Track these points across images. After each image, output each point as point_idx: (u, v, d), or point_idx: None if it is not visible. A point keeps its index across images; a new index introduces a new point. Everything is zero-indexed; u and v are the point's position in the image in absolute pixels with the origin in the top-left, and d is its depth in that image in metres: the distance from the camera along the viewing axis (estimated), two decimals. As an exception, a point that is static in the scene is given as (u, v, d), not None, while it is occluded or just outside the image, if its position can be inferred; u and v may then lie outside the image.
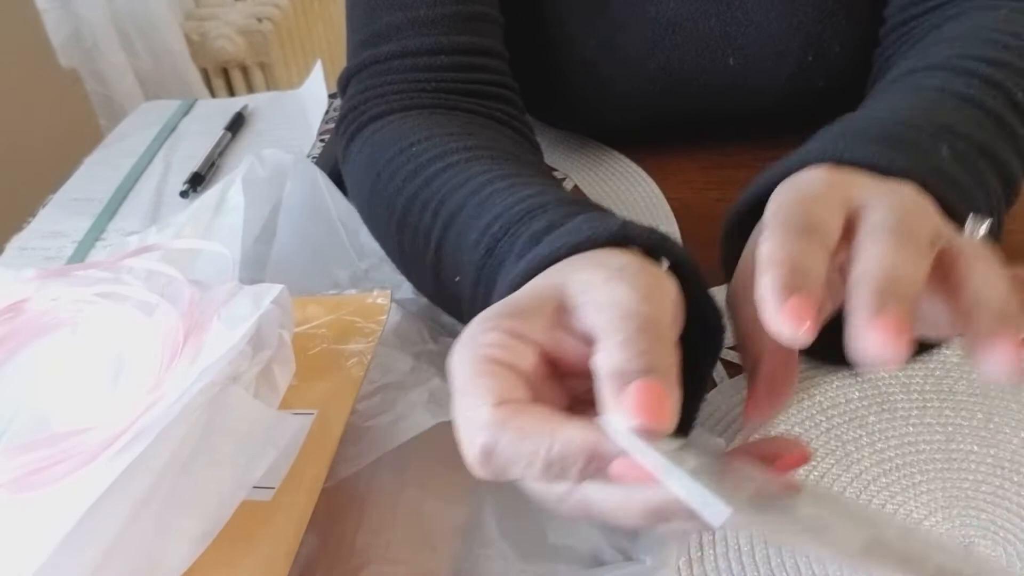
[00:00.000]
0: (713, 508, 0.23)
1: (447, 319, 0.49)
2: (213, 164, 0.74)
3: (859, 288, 0.27)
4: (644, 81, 0.62)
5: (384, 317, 0.43)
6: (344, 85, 0.57)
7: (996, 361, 0.27)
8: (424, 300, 0.50)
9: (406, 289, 0.51)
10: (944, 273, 0.30)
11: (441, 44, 0.53)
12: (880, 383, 0.46)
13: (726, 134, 0.66)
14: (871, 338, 0.26)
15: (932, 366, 0.46)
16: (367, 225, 0.53)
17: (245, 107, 0.84)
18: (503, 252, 0.38)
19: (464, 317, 0.43)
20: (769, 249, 0.29)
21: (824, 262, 0.29)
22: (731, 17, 0.59)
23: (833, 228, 0.30)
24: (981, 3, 0.49)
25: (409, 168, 0.46)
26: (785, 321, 0.27)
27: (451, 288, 0.43)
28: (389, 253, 0.50)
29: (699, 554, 0.39)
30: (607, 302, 0.29)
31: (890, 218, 0.29)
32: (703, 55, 0.60)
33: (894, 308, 0.26)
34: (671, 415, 0.26)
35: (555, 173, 0.65)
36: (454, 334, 0.49)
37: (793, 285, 0.27)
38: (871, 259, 0.28)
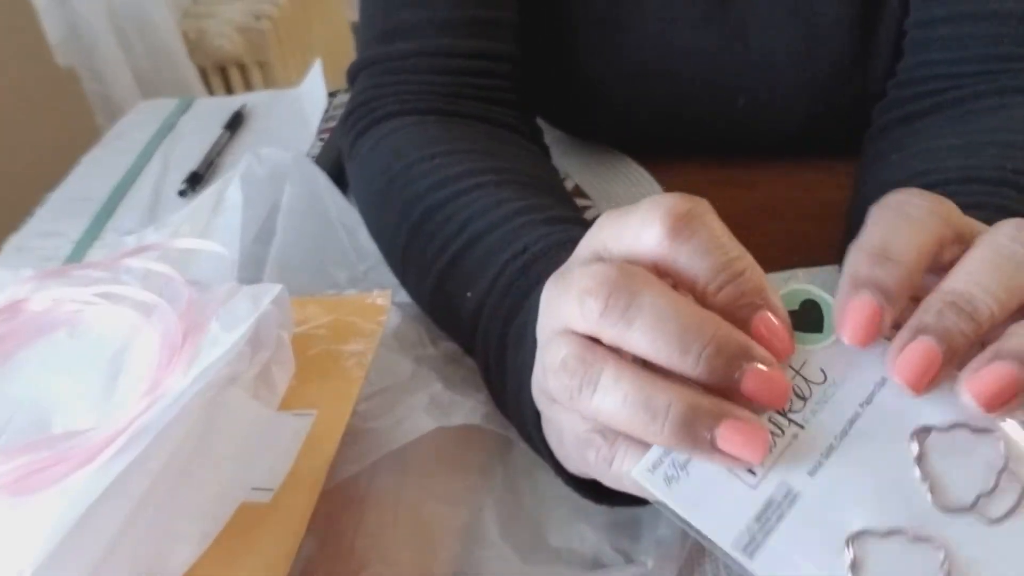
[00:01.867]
0: None
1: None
2: (211, 163, 0.74)
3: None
4: (651, 103, 0.61)
5: (384, 318, 0.43)
6: (354, 77, 0.56)
7: None
8: (424, 302, 0.50)
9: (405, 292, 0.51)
10: None
11: (458, 47, 0.53)
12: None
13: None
14: (893, 365, 0.26)
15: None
16: (366, 220, 0.53)
17: (244, 106, 0.83)
18: (542, 269, 0.38)
19: (463, 332, 0.43)
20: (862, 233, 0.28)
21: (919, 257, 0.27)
22: (747, 57, 0.57)
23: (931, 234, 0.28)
24: (1004, 88, 0.48)
25: (432, 179, 0.46)
26: (848, 320, 0.26)
27: (454, 300, 0.42)
28: (388, 250, 0.50)
29: (700, 555, 0.39)
30: None
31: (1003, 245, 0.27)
32: (713, 90, 0.59)
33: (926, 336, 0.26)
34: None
35: (555, 173, 0.65)
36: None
37: (866, 280, 0.27)
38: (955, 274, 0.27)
